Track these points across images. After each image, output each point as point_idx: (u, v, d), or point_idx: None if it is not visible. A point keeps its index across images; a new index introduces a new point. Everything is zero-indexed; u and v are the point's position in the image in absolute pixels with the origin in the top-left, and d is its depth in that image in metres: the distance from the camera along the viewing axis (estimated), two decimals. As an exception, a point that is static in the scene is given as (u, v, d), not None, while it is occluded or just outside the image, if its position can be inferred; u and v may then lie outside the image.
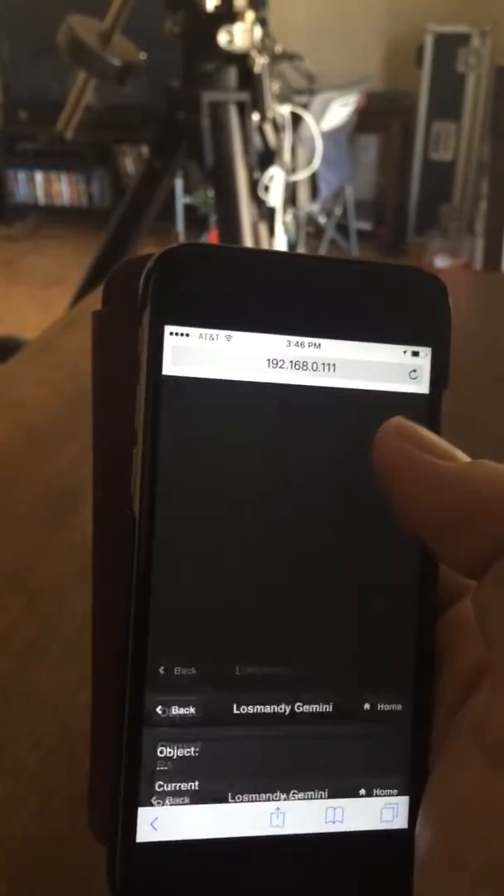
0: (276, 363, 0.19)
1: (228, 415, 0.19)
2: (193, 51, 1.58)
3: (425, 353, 0.20)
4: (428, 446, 0.18)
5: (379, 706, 0.20)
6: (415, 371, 0.20)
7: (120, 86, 1.61)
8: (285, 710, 0.19)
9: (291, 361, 0.19)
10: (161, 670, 0.19)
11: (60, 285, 3.33)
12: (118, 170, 4.01)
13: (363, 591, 0.20)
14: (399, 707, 0.20)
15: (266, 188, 1.71)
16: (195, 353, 0.19)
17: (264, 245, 1.72)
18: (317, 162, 2.00)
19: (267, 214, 1.75)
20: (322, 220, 3.48)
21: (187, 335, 0.19)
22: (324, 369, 0.20)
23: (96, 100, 1.65)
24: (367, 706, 0.20)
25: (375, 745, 0.20)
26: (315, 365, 0.20)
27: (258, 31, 1.57)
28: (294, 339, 0.19)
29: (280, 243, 1.82)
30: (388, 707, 0.20)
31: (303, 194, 2.41)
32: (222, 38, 1.52)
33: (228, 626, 0.19)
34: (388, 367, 0.20)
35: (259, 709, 0.19)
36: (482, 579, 0.16)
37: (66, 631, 0.41)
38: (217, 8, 1.50)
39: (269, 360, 0.19)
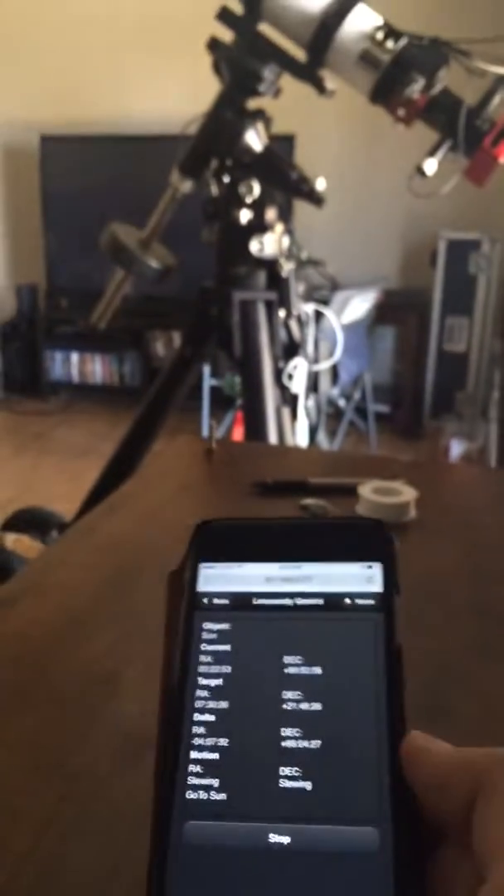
0: (272, 579, 0.29)
1: (241, 622, 0.28)
2: (227, 256, 1.73)
3: (377, 566, 0.29)
4: (430, 743, 0.25)
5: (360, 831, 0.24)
6: (370, 578, 0.29)
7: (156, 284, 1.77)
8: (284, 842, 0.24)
9: (282, 577, 0.29)
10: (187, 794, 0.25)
11: (90, 456, 3.45)
12: (149, 352, 4.25)
13: (342, 752, 0.25)
14: (378, 834, 0.24)
15: (290, 377, 1.82)
16: (219, 576, 0.29)
17: (287, 429, 1.81)
18: (338, 354, 2.13)
19: (290, 400, 1.85)
20: (342, 403, 3.64)
21: (213, 567, 0.30)
22: (305, 580, 0.29)
23: (132, 290, 1.80)
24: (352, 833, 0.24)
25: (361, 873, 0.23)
26: (298, 578, 0.29)
27: (286, 241, 1.73)
28: (284, 564, 0.29)
29: (302, 426, 1.91)
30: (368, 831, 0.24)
31: (324, 380, 2.54)
32: (254, 246, 1.67)
33: (236, 763, 0.25)
34: (350, 577, 0.29)
35: (261, 838, 0.24)
36: (472, 822, 0.23)
37: (103, 816, 0.42)
38: (249, 221, 1.66)
39: (266, 577, 0.29)
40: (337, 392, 3.46)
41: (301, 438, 1.88)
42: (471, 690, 0.52)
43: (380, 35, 1.44)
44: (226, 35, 1.57)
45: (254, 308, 1.72)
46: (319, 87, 1.56)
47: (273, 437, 1.71)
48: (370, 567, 0.29)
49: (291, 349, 1.82)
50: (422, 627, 0.59)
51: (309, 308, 1.91)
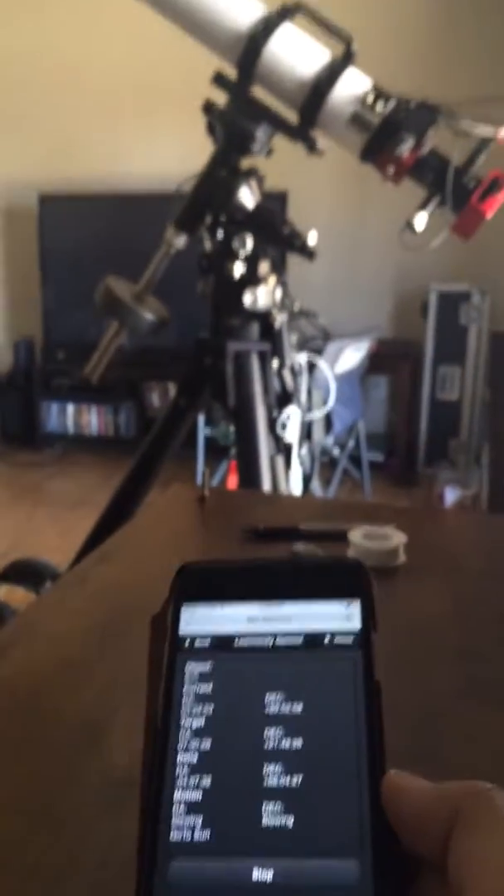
0: (253, 619, 0.30)
1: (223, 663, 0.29)
2: (221, 308, 1.76)
3: (355, 604, 0.30)
4: (409, 780, 0.26)
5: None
6: (349, 615, 0.29)
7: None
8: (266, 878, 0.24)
9: (262, 617, 0.30)
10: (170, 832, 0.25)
11: (84, 508, 3.44)
12: (144, 403, 4.28)
13: (323, 787, 0.26)
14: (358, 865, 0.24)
15: (284, 426, 1.83)
16: (200, 618, 0.30)
17: (281, 477, 1.82)
18: (331, 403, 2.16)
19: (284, 449, 1.86)
20: (336, 451, 3.66)
21: (194, 609, 0.30)
22: (285, 619, 0.29)
23: (128, 342, 1.82)
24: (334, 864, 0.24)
25: None
26: (279, 617, 0.30)
27: (279, 293, 1.77)
28: (264, 604, 0.30)
29: (295, 475, 1.92)
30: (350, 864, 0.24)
31: (318, 429, 2.56)
32: (247, 298, 1.70)
33: (219, 801, 0.26)
34: (329, 615, 0.30)
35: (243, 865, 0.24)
36: (448, 851, 0.24)
37: (89, 864, 0.42)
38: (243, 275, 1.70)
39: (247, 617, 0.30)
40: (331, 441, 3.48)
41: (295, 487, 1.89)
42: (458, 733, 0.53)
43: (370, 98, 1.50)
44: (220, 98, 1.62)
45: (247, 359, 1.75)
46: (311, 147, 1.62)
47: (267, 486, 1.72)
48: (349, 605, 0.30)
49: (285, 398, 1.84)
50: (409, 669, 0.59)
51: (302, 358, 1.93)
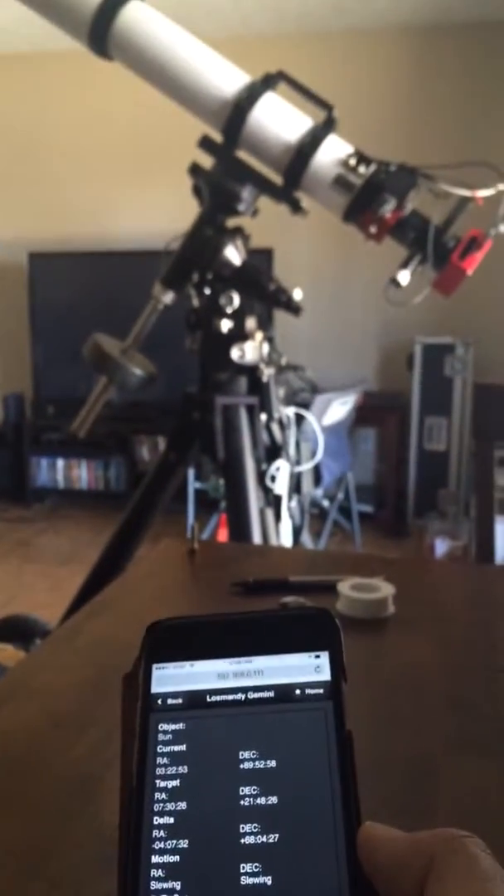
0: (224, 675, 0.30)
1: (196, 721, 0.29)
2: (209, 363, 1.79)
3: (324, 655, 0.30)
4: (383, 831, 0.27)
5: None
6: (318, 667, 0.30)
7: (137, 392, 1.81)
8: None
9: (233, 672, 0.30)
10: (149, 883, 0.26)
11: (74, 563, 3.43)
12: (134, 457, 4.30)
13: (300, 843, 0.26)
14: None
15: (273, 478, 1.85)
16: (171, 676, 0.30)
17: (271, 530, 1.82)
18: (319, 455, 2.18)
19: (273, 501, 1.87)
20: (325, 503, 3.66)
21: (165, 668, 0.30)
22: (255, 674, 0.30)
23: (117, 397, 1.84)
24: None
25: None
26: (249, 672, 0.30)
27: (266, 348, 1.79)
28: (234, 659, 0.30)
29: (286, 528, 1.92)
30: None
31: (307, 481, 2.57)
32: (235, 353, 1.73)
33: (197, 863, 0.26)
34: (299, 667, 0.30)
35: None
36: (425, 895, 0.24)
37: (82, 922, 0.42)
38: (230, 330, 1.73)
39: (218, 674, 0.30)
40: (320, 493, 3.49)
41: (285, 539, 1.89)
42: (448, 781, 0.53)
43: (352, 161, 1.55)
44: (206, 160, 1.68)
45: (236, 412, 1.77)
46: (295, 207, 1.66)
47: (257, 539, 1.72)
48: (318, 656, 0.30)
49: (273, 451, 1.86)
50: (399, 719, 0.59)
51: (290, 411, 1.96)
